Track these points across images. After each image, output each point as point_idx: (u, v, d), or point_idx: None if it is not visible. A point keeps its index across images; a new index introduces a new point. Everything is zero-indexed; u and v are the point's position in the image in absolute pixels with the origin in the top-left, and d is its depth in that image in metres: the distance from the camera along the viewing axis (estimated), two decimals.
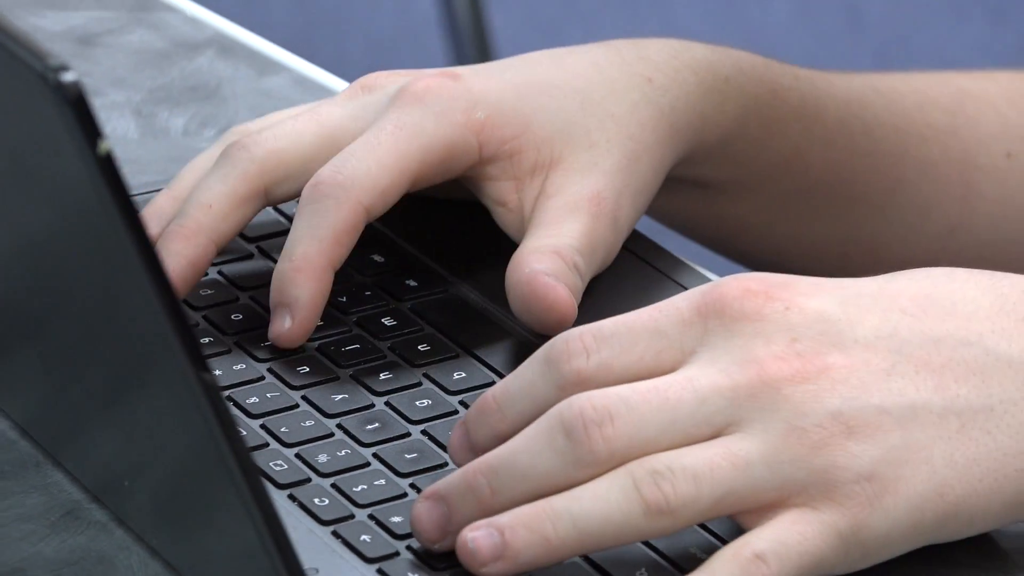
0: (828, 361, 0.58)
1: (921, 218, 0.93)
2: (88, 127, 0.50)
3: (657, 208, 0.83)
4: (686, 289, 0.66)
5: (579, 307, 0.71)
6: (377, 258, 0.75)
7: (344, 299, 0.74)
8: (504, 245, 0.75)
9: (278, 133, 0.74)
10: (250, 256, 0.80)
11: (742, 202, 0.87)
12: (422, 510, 0.59)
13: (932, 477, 0.59)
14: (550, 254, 0.72)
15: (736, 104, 0.82)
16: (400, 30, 2.93)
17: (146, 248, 0.52)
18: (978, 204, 0.95)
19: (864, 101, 0.91)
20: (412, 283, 0.75)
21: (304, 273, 0.71)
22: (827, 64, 0.99)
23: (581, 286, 0.72)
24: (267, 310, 0.73)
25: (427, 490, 0.59)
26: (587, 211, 0.74)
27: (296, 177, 0.74)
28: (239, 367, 0.70)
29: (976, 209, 0.95)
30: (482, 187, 0.76)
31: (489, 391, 0.60)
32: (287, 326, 0.70)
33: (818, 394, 0.58)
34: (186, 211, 0.73)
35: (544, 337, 0.65)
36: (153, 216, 0.74)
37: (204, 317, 0.75)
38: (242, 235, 0.77)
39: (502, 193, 0.76)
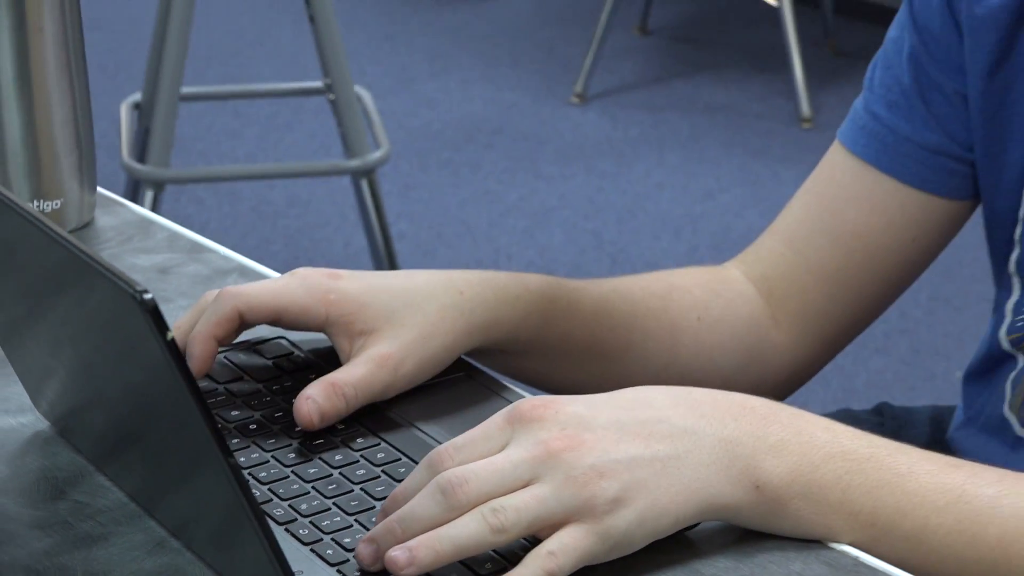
0: (583, 437, 0.81)
1: (644, 362, 1.12)
2: (160, 324, 0.68)
3: (486, 363, 1.03)
4: (510, 403, 0.88)
5: (449, 411, 0.97)
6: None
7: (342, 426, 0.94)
8: None
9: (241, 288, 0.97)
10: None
11: (531, 360, 1.07)
12: (362, 549, 0.81)
13: (650, 497, 0.81)
14: (326, 383, 0.93)
15: (522, 311, 1.02)
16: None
17: (195, 390, 0.70)
18: (681, 351, 1.14)
19: (609, 297, 1.10)
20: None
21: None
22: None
23: (344, 406, 0.93)
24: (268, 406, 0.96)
25: (363, 537, 0.82)
26: (375, 362, 0.94)
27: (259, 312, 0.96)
28: (255, 455, 0.91)
29: (680, 354, 1.14)
30: (331, 338, 0.97)
31: (390, 512, 0.82)
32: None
33: (580, 456, 0.80)
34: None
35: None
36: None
37: (234, 427, 0.94)
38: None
39: (340, 344, 0.97)
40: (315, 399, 0.93)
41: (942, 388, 2.82)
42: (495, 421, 0.84)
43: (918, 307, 3.03)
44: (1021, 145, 1.10)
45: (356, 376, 0.94)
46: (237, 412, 0.96)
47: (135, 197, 2.72)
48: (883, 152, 1.14)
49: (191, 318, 0.97)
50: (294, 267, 1.01)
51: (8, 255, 0.84)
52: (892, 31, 1.16)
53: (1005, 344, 1.13)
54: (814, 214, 1.17)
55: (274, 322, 0.97)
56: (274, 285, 0.97)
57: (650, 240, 3.30)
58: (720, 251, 3.21)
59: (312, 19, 2.64)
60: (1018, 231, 1.11)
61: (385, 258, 2.80)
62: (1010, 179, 1.11)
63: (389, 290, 0.98)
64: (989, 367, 1.15)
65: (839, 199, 1.16)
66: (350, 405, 0.94)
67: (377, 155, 2.69)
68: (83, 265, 0.73)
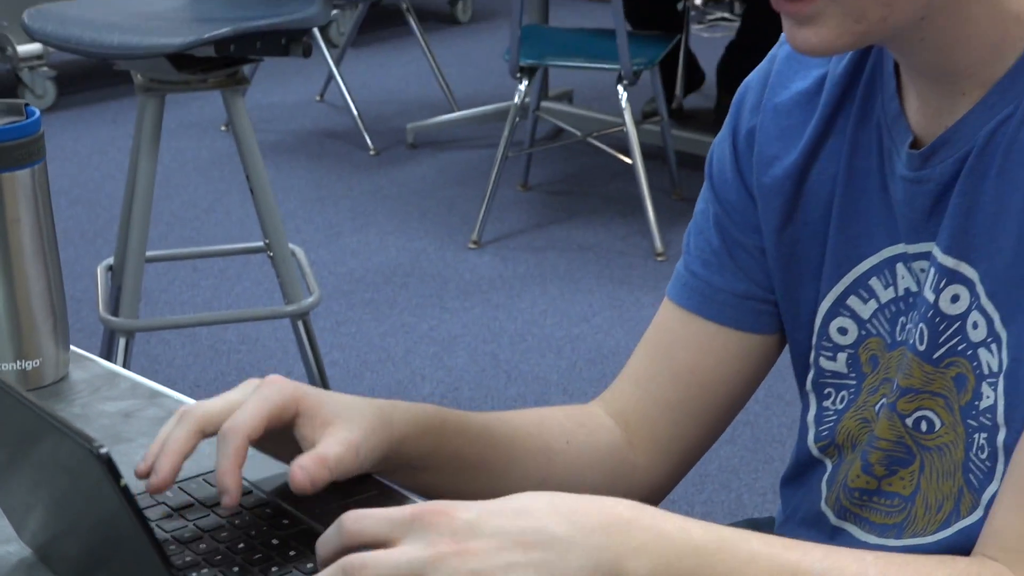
0: (470, 545, 0.78)
1: (524, 478, 1.09)
2: (114, 473, 0.70)
3: (393, 480, 1.01)
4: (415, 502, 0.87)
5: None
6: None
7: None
8: None
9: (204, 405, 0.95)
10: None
11: (429, 475, 1.04)
12: None
13: None
14: (315, 456, 0.92)
15: (422, 430, 1.01)
16: None
17: (146, 526, 0.72)
18: (555, 469, 1.12)
19: (492, 423, 1.10)
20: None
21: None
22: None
23: (328, 476, 0.91)
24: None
25: None
26: (344, 444, 0.93)
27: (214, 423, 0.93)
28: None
29: (554, 472, 1.12)
30: (298, 429, 0.94)
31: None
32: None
33: (465, 561, 0.77)
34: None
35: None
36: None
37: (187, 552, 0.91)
38: None
39: (305, 433, 0.94)
40: (307, 469, 0.91)
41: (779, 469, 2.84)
42: (403, 512, 0.81)
43: (757, 403, 3.05)
44: (810, 286, 1.10)
45: (336, 452, 0.92)
46: (198, 541, 0.93)
47: (111, 344, 2.70)
48: (703, 302, 1.15)
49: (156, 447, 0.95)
50: None
51: None
52: (699, 204, 1.18)
53: (815, 451, 1.13)
54: (655, 358, 1.17)
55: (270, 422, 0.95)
56: (267, 393, 0.95)
57: (538, 358, 3.31)
58: (595, 365, 3.24)
59: (252, 190, 2.64)
60: (811, 356, 1.12)
61: (318, 383, 2.79)
62: (804, 314, 1.12)
63: (337, 397, 0.97)
64: (803, 471, 1.15)
65: (673, 344, 1.16)
66: (332, 475, 0.92)
67: (310, 300, 2.69)
68: (51, 425, 0.75)
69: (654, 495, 1.18)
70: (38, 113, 1.16)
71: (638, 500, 1.10)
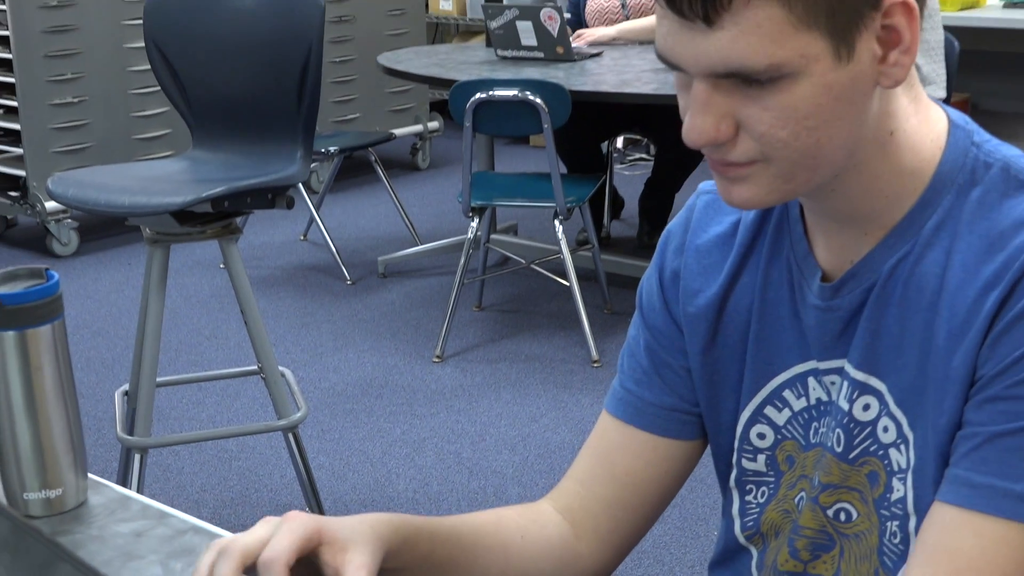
0: None
1: (485, 570, 1.06)
2: None
3: None
4: None
5: None
6: None
7: None
8: None
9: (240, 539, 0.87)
10: None
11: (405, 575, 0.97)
12: None
13: None
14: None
15: (401, 538, 0.94)
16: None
17: None
18: (512, 561, 1.09)
19: (457, 525, 1.05)
20: None
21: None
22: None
23: None
24: None
25: None
26: (365, 571, 0.86)
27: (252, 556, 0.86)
28: None
29: (511, 563, 1.09)
30: (321, 555, 0.87)
31: None
32: None
33: None
34: None
35: None
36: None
37: None
38: None
39: (326, 558, 0.87)
40: None
41: (704, 545, 2.81)
42: None
43: (683, 487, 3.03)
44: (731, 399, 1.11)
45: (365, 566, 0.87)
46: None
47: (128, 459, 2.66)
48: (636, 415, 1.14)
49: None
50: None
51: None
52: (631, 330, 1.18)
53: (741, 540, 1.12)
54: (595, 462, 1.16)
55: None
56: (294, 526, 0.88)
57: (495, 455, 3.27)
58: (544, 459, 3.21)
59: (245, 320, 2.62)
60: (734, 458, 1.12)
61: (307, 484, 2.75)
62: (726, 422, 1.12)
63: (347, 523, 0.91)
64: (731, 557, 1.14)
65: (611, 450, 1.15)
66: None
67: (298, 415, 2.66)
68: (64, 557, 0.71)
69: None
70: (56, 277, 1.14)
71: None
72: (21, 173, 4.90)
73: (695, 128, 0.89)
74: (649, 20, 4.56)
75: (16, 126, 4.84)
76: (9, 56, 4.78)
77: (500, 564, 1.09)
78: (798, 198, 1.02)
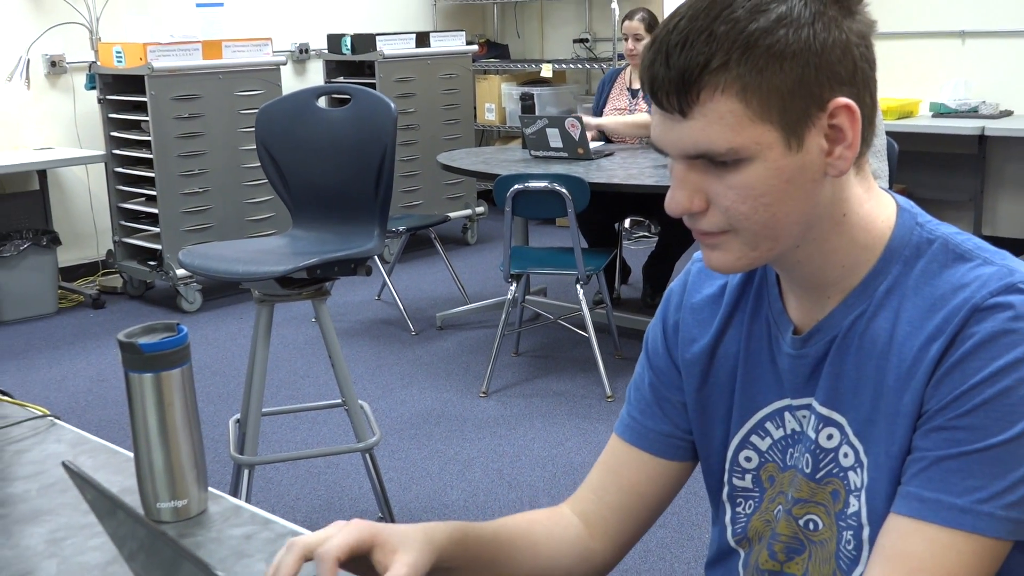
0: None
1: (520, 566, 1.03)
2: None
3: None
4: None
5: None
6: None
7: None
8: None
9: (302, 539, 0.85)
10: None
11: (457, 574, 0.94)
12: None
13: None
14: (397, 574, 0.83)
15: (453, 540, 0.92)
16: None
17: None
18: (539, 556, 1.06)
19: (497, 528, 1.03)
20: None
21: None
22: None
23: None
24: None
25: None
26: (409, 567, 0.84)
27: (312, 549, 0.83)
28: None
29: (539, 556, 1.06)
30: (374, 555, 0.85)
31: None
32: None
33: None
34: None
35: None
36: None
37: None
38: None
39: (378, 558, 0.85)
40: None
41: (698, 546, 2.76)
42: None
43: (680, 499, 2.98)
44: (721, 429, 1.08)
45: (404, 573, 0.84)
46: None
47: (239, 473, 2.64)
48: (639, 438, 1.12)
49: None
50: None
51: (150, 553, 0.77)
52: (638, 368, 1.16)
53: (732, 544, 1.09)
54: (606, 475, 1.13)
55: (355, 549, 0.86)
56: (351, 529, 0.86)
57: (529, 471, 3.23)
58: (568, 475, 3.17)
59: (332, 363, 2.61)
60: (725, 477, 1.09)
61: (380, 494, 2.72)
62: (718, 448, 1.09)
63: (399, 529, 0.88)
64: (723, 558, 1.11)
65: (619, 465, 1.13)
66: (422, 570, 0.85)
67: (373, 439, 2.63)
68: (187, 557, 0.69)
69: (607, 570, 1.14)
70: (185, 330, 1.14)
71: (596, 575, 1.05)
72: (158, 247, 4.99)
73: (673, 199, 0.89)
74: (625, 117, 4.55)
75: (155, 210, 4.96)
76: (151, 156, 4.90)
77: (531, 559, 1.07)
78: (772, 266, 1.00)
